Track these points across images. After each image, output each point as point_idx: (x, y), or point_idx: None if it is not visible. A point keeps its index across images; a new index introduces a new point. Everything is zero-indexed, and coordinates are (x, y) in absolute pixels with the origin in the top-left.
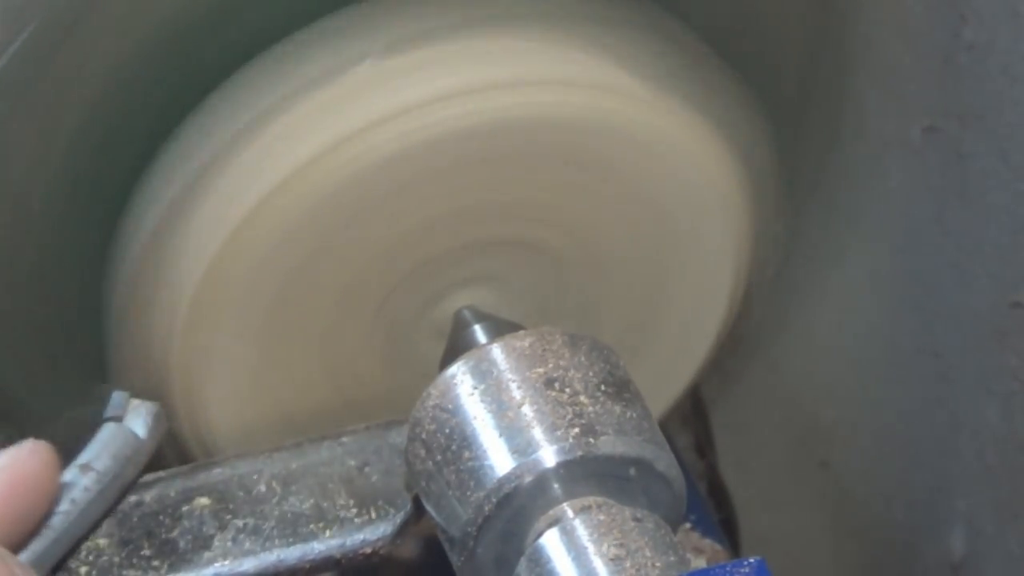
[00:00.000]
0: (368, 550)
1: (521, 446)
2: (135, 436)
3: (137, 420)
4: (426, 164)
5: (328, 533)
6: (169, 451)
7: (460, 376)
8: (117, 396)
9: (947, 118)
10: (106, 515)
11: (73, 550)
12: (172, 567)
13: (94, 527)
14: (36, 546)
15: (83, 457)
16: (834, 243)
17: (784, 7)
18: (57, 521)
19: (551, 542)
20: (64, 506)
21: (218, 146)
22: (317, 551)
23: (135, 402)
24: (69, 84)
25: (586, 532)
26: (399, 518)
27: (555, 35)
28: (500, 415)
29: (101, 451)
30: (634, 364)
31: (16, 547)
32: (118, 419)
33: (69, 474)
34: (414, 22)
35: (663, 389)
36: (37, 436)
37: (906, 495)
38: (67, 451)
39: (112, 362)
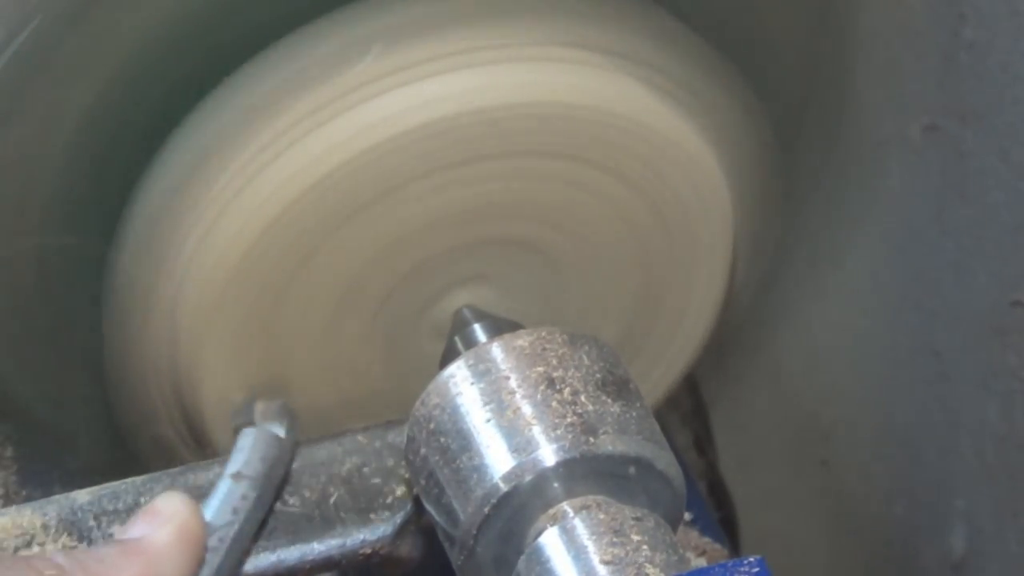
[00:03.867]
0: (368, 550)
1: (521, 445)
2: (276, 436)
3: (272, 420)
4: (426, 163)
5: (328, 533)
6: (169, 451)
7: (460, 375)
8: (245, 402)
9: (947, 117)
10: (265, 519)
11: (244, 557)
12: None
13: (257, 533)
14: (213, 561)
15: (232, 467)
16: (834, 243)
17: (784, 7)
18: (224, 533)
19: (551, 541)
20: (227, 516)
21: (218, 145)
22: (317, 551)
23: (262, 404)
24: (69, 84)
25: (586, 531)
26: (399, 518)
27: (555, 35)
28: (500, 414)
29: (249, 457)
30: (629, 356)
31: None
32: (250, 423)
33: (224, 485)
34: (413, 21)
35: (657, 380)
36: (37, 436)
37: (906, 494)
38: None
39: (111, 362)
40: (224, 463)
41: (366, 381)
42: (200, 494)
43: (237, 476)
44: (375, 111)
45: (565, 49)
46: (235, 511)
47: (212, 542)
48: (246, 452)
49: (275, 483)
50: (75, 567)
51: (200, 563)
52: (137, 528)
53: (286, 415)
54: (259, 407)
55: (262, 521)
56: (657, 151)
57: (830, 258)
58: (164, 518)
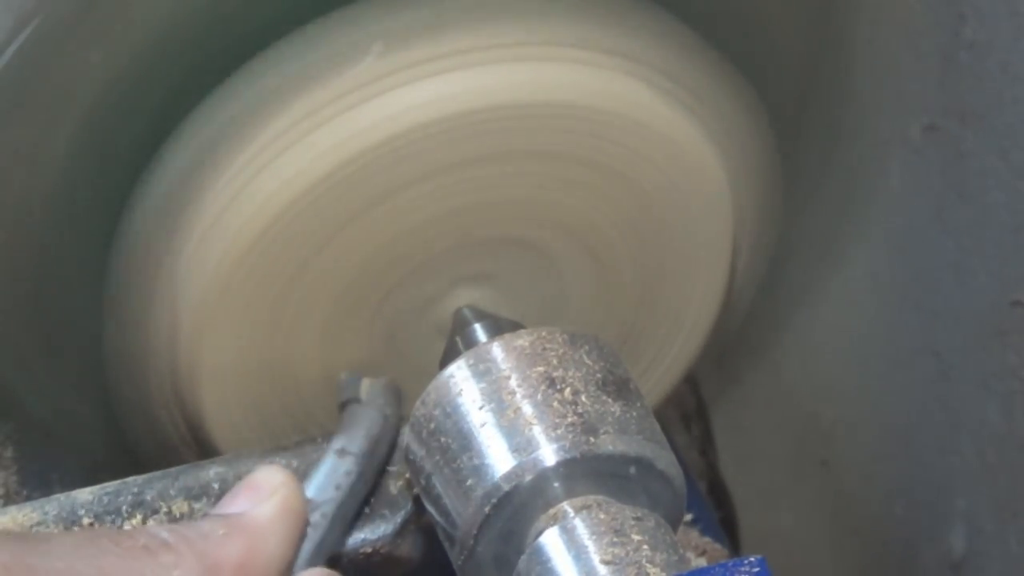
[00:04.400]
0: (368, 550)
1: (521, 445)
2: (381, 415)
3: (377, 398)
4: (426, 163)
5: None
6: (169, 451)
7: (460, 375)
8: (350, 378)
9: (947, 117)
10: (369, 496)
11: (346, 532)
12: None
13: (359, 509)
14: (315, 536)
15: (337, 443)
16: (834, 243)
17: (784, 7)
18: (328, 508)
19: (551, 541)
20: (330, 493)
21: (219, 145)
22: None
23: (368, 381)
24: (69, 84)
25: (586, 531)
26: (399, 518)
27: (555, 35)
28: (500, 414)
29: (354, 434)
30: (629, 356)
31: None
32: (357, 400)
33: (329, 461)
34: (412, 21)
35: (657, 380)
36: (37, 436)
37: (906, 494)
38: (66, 449)
39: (111, 362)
40: (330, 439)
41: None
42: (200, 493)
43: (341, 452)
44: (375, 111)
45: (565, 49)
46: (338, 487)
47: (315, 517)
48: (351, 429)
49: (378, 461)
50: (180, 542)
51: (302, 538)
52: (239, 502)
53: (392, 392)
54: (365, 384)
55: (365, 498)
56: (658, 151)
57: (830, 258)
58: (266, 492)
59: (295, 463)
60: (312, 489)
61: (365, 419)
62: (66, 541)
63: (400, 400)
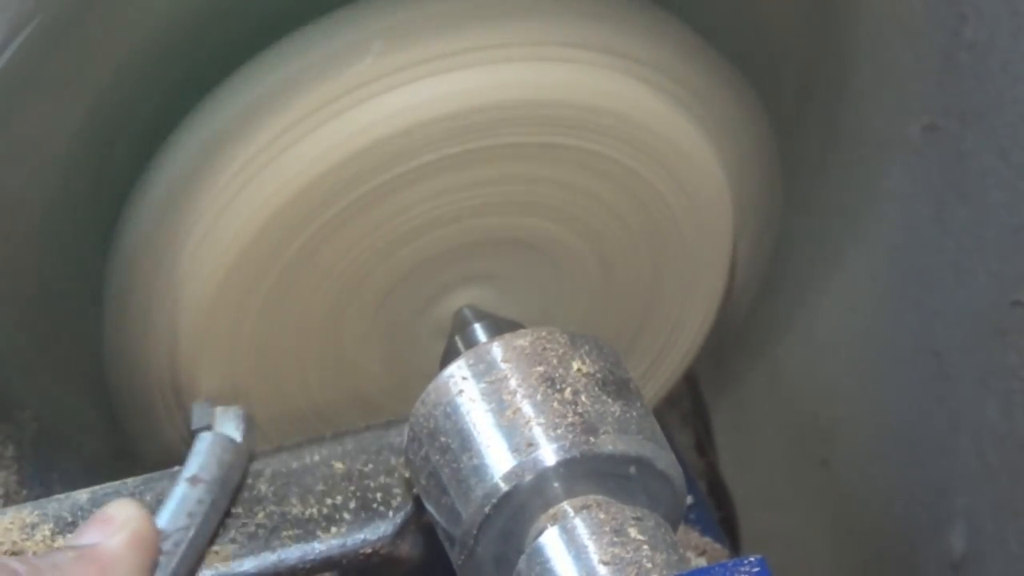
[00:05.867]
0: (368, 550)
1: (521, 445)
2: (232, 441)
3: (228, 425)
4: (426, 162)
5: (328, 533)
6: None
7: (460, 375)
8: (200, 407)
9: (947, 117)
10: (221, 523)
11: (199, 561)
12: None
13: (213, 536)
14: (168, 564)
15: (188, 470)
16: (834, 243)
17: (784, 7)
18: (179, 537)
19: (551, 541)
20: (182, 521)
21: (218, 144)
22: (317, 551)
23: (220, 409)
24: (69, 84)
25: (586, 531)
26: (399, 518)
27: (555, 35)
28: (500, 414)
29: (205, 461)
30: (629, 356)
31: None
32: (208, 428)
33: (180, 489)
34: (413, 20)
35: (657, 380)
36: (37, 436)
37: (906, 494)
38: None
39: (111, 362)
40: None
41: (366, 380)
42: None
43: (193, 480)
44: (375, 111)
45: (565, 49)
46: (190, 515)
47: (167, 546)
48: (202, 456)
49: (231, 488)
50: (32, 573)
51: (153, 569)
52: (91, 534)
53: (243, 420)
54: (217, 411)
55: (217, 526)
56: (658, 151)
57: (830, 258)
58: (117, 525)
59: (294, 464)
60: (165, 517)
61: (217, 447)
62: None
63: (252, 427)
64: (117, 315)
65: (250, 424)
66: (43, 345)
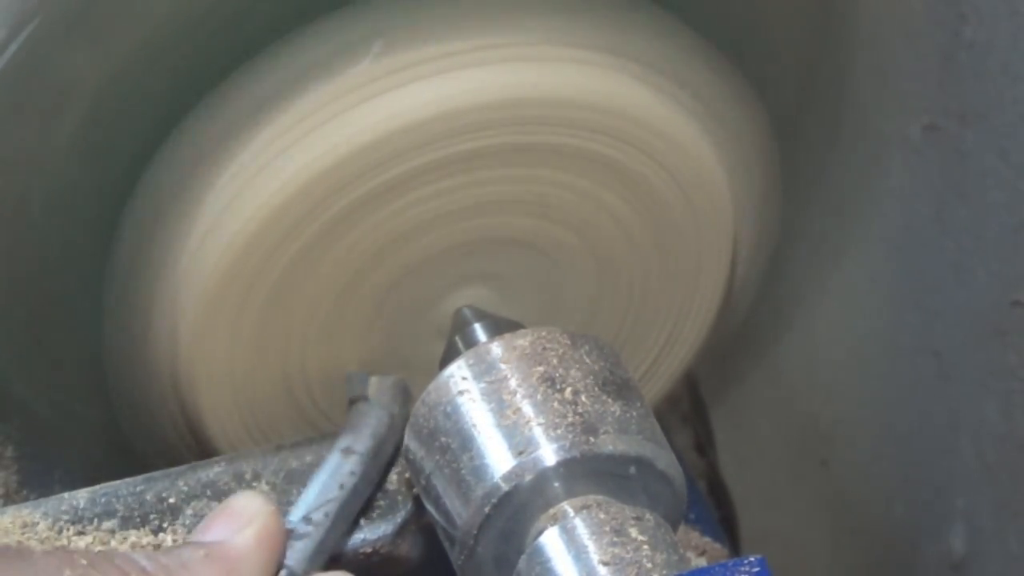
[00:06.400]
0: (368, 550)
1: (521, 445)
2: (388, 414)
3: (384, 396)
4: (426, 162)
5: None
6: (169, 451)
7: (459, 375)
8: (358, 376)
9: (947, 117)
10: (374, 495)
11: (348, 532)
12: None
13: (364, 508)
14: (317, 534)
15: (343, 442)
16: (834, 243)
17: (785, 7)
18: (331, 508)
19: (551, 541)
20: (334, 492)
21: (219, 144)
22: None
23: (376, 378)
24: (69, 84)
25: (586, 531)
26: (399, 518)
27: (555, 34)
28: (500, 414)
29: (359, 433)
30: (629, 356)
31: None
32: (364, 398)
33: (333, 459)
34: (413, 21)
35: (657, 380)
36: (37, 436)
37: (906, 494)
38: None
39: (112, 361)
40: (335, 437)
41: None
42: (200, 494)
43: (347, 451)
44: (375, 111)
45: (565, 48)
46: (342, 486)
47: (317, 516)
48: (357, 428)
49: (383, 461)
50: (159, 570)
51: (280, 566)
52: (217, 530)
53: (400, 391)
54: (373, 381)
55: (369, 498)
56: (658, 151)
57: (830, 258)
58: (244, 520)
59: (294, 463)
60: (317, 486)
61: (371, 418)
62: (49, 561)
63: (408, 399)
64: (117, 316)
65: (406, 395)
66: (43, 345)
